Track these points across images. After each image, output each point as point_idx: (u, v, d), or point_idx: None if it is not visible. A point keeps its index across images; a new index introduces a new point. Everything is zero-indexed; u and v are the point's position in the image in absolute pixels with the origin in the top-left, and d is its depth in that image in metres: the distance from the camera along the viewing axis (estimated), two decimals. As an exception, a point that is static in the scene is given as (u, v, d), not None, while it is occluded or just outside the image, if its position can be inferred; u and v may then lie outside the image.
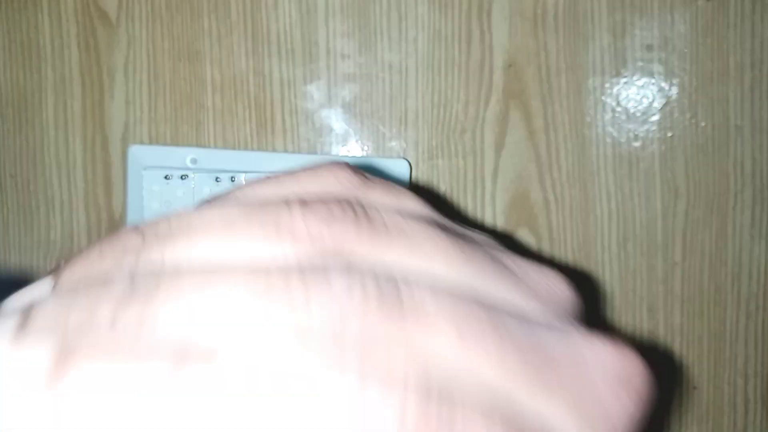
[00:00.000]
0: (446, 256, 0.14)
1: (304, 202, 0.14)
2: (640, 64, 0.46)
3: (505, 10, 0.45)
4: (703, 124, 0.46)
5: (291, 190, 0.15)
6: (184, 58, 0.45)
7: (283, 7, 0.45)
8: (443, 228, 0.15)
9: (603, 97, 0.46)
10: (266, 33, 0.45)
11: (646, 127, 0.46)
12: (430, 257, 0.14)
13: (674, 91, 0.46)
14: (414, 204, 0.16)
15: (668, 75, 0.46)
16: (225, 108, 0.45)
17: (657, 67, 0.46)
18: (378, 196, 0.16)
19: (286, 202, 0.14)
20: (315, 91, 0.45)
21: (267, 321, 0.12)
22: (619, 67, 0.46)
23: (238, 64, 0.45)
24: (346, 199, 0.15)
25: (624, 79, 0.46)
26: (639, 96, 0.46)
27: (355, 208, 0.14)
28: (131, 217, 0.44)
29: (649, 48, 0.46)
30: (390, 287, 0.13)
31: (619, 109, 0.46)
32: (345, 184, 0.16)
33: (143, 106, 0.45)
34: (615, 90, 0.46)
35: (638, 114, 0.46)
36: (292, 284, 0.12)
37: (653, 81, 0.46)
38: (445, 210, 0.46)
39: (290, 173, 0.16)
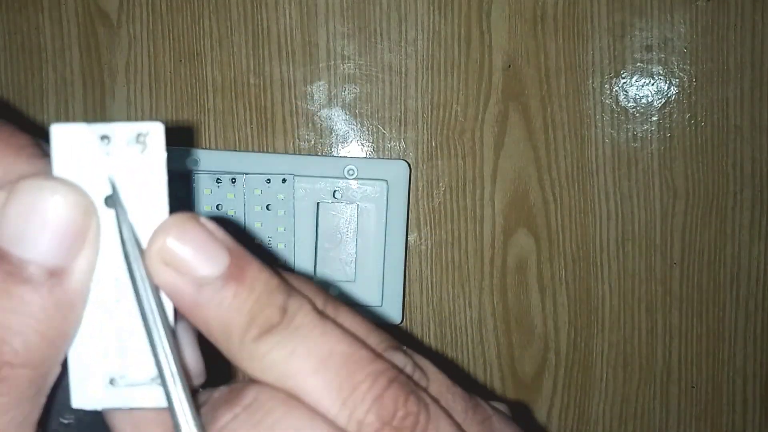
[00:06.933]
0: None
1: None
2: (639, 64, 0.46)
3: (504, 11, 0.45)
4: (702, 124, 0.46)
5: None
6: (184, 59, 0.45)
7: (283, 8, 0.45)
8: None
9: (602, 98, 0.46)
10: (267, 34, 0.45)
11: (645, 127, 0.46)
12: None
13: (674, 91, 0.46)
14: None
15: (668, 75, 0.46)
16: (226, 109, 0.46)
17: (656, 68, 0.46)
18: None
19: None
20: (315, 92, 0.46)
21: None
22: (618, 67, 0.46)
23: (238, 65, 0.45)
24: None
25: (623, 80, 0.46)
26: (638, 96, 0.46)
27: None
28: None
29: (649, 48, 0.46)
30: None
31: (618, 109, 0.46)
32: None
33: (144, 107, 0.46)
34: (614, 90, 0.46)
35: (637, 114, 0.46)
36: None
37: (652, 81, 0.46)
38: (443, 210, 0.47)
39: None
